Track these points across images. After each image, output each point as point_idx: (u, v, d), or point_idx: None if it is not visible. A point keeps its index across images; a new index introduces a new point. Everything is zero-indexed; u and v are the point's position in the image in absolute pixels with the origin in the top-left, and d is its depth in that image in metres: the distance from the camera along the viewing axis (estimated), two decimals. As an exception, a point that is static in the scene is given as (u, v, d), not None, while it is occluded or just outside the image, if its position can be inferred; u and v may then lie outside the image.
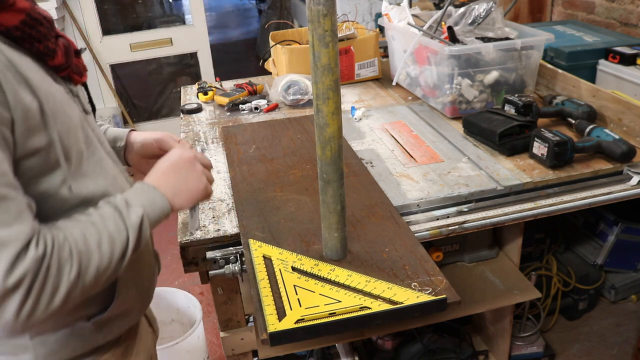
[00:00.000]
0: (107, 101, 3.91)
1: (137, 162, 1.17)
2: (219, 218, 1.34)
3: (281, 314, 0.97)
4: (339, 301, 1.01)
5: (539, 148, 1.50)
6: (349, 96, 2.13)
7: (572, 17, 3.00)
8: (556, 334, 2.22)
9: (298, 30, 2.45)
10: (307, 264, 1.10)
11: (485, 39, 1.86)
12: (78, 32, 3.65)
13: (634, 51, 2.20)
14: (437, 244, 1.64)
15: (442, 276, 1.06)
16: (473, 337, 2.06)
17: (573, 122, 1.70)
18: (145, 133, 1.17)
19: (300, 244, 1.18)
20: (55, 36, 0.88)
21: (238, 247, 1.26)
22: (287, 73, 2.11)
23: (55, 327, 0.92)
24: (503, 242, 1.75)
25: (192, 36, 3.96)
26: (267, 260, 1.12)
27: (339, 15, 2.17)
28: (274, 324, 0.95)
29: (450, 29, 1.87)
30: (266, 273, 1.08)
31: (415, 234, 1.26)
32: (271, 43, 2.29)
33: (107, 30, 3.86)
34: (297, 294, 1.03)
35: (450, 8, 1.97)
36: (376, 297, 1.01)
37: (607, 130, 1.57)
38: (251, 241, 1.18)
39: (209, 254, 1.25)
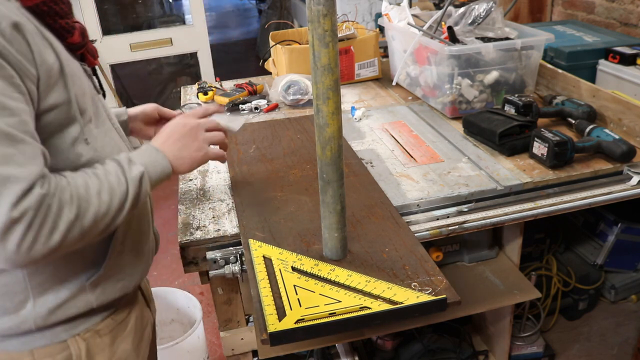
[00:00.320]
0: (107, 101, 3.90)
1: (139, 129, 1.33)
2: (219, 218, 1.34)
3: (281, 314, 0.97)
4: (339, 301, 1.01)
5: (539, 148, 1.50)
6: (349, 96, 2.13)
7: (572, 17, 3.00)
8: (556, 334, 2.22)
9: (298, 30, 2.45)
10: (307, 264, 1.10)
11: (485, 39, 1.86)
12: (78, 32, 3.64)
13: (634, 51, 2.20)
14: (437, 244, 1.64)
15: (442, 276, 1.06)
16: (473, 337, 2.06)
17: (573, 122, 1.70)
18: (142, 106, 1.34)
19: (300, 244, 1.18)
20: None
21: (238, 247, 1.26)
22: (287, 73, 2.11)
23: (55, 283, 0.98)
24: (503, 242, 1.75)
25: (192, 36, 3.95)
26: (267, 261, 1.12)
27: (339, 15, 2.17)
28: (274, 324, 0.95)
29: (450, 29, 1.87)
30: (266, 273, 1.08)
31: (415, 234, 1.26)
32: (271, 43, 2.29)
33: (107, 30, 3.86)
34: (297, 294, 1.03)
35: (450, 8, 1.97)
36: (376, 297, 1.01)
37: (607, 130, 1.57)
38: (251, 241, 1.18)
39: (209, 254, 1.25)
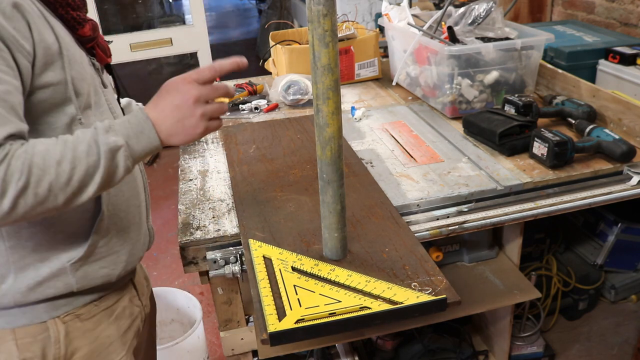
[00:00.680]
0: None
1: None
2: (219, 218, 1.34)
3: (281, 314, 0.97)
4: (339, 301, 1.01)
5: (539, 148, 1.50)
6: (349, 96, 2.13)
7: (572, 17, 3.00)
8: (556, 334, 2.22)
9: (298, 30, 2.45)
10: (307, 264, 1.10)
11: (485, 39, 1.86)
12: (78, 32, 3.65)
13: (634, 51, 2.20)
14: (437, 244, 1.64)
15: (442, 276, 1.06)
16: (473, 337, 2.06)
17: (573, 122, 1.70)
18: None
19: (300, 244, 1.18)
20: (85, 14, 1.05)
21: (238, 247, 1.26)
22: (287, 73, 2.11)
23: (36, 260, 0.99)
24: (503, 242, 1.75)
25: (192, 36, 3.95)
26: (267, 261, 1.12)
27: (339, 15, 2.17)
28: (274, 324, 0.95)
29: (450, 29, 1.87)
30: (266, 273, 1.08)
31: (415, 234, 1.26)
32: (271, 43, 2.29)
33: (107, 30, 3.86)
34: (297, 294, 1.03)
35: (450, 8, 1.97)
36: (376, 297, 1.01)
37: (607, 130, 1.57)
38: (251, 241, 1.18)
39: (209, 254, 1.25)
